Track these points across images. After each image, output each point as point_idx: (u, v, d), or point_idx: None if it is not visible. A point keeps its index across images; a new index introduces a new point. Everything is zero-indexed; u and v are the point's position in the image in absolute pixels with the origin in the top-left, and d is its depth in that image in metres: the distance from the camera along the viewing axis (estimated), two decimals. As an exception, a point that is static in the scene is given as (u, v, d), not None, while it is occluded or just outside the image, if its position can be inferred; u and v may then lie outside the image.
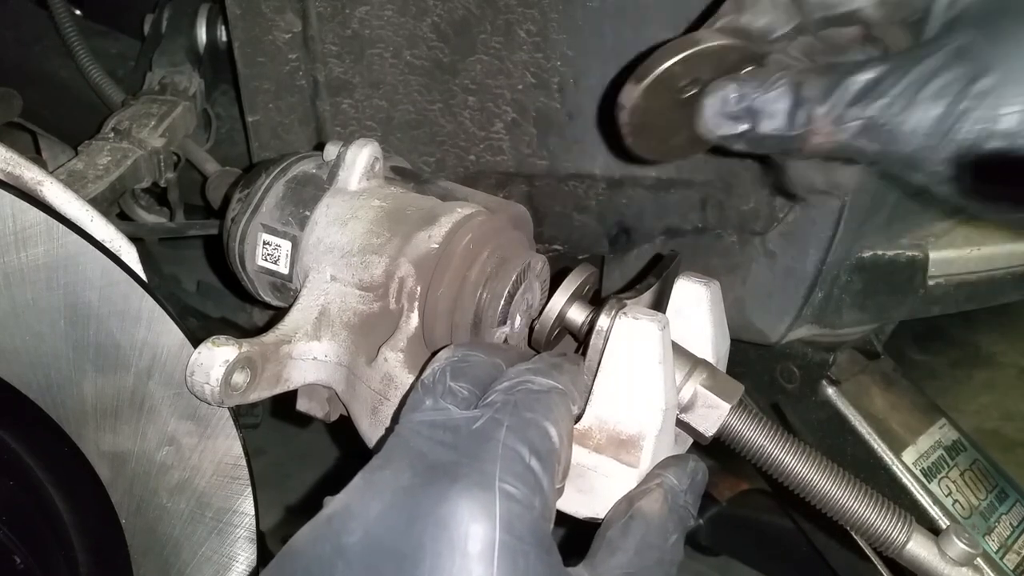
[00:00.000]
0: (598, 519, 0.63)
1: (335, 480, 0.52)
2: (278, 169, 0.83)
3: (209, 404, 0.69)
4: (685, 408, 0.68)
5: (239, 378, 0.69)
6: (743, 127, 0.62)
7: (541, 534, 0.51)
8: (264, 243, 0.81)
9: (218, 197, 1.21)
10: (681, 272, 0.75)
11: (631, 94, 0.63)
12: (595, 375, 0.64)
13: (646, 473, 0.63)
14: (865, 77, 0.59)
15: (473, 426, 0.53)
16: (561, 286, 0.71)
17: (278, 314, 0.78)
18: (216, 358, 0.67)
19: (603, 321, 0.65)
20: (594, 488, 0.63)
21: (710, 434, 0.68)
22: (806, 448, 0.67)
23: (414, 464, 0.53)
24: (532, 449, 0.53)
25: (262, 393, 0.72)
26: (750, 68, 0.66)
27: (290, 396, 0.79)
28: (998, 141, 0.55)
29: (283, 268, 0.80)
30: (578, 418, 0.64)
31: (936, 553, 0.63)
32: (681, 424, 0.68)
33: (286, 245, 0.80)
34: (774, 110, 0.61)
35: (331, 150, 0.83)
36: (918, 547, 0.63)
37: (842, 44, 0.68)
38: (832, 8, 0.63)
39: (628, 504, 0.61)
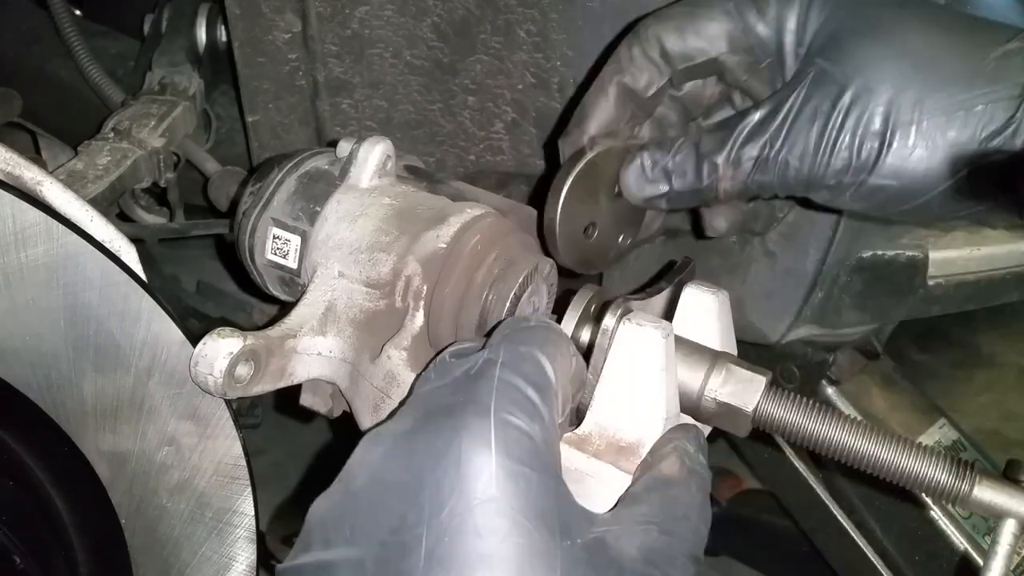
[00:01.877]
0: None
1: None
2: (291, 164, 0.83)
3: (212, 395, 0.69)
4: (718, 396, 0.66)
5: (243, 370, 0.69)
6: (663, 188, 0.72)
7: (544, 460, 0.51)
8: (274, 237, 0.81)
9: (221, 196, 1.21)
10: (691, 280, 0.75)
11: (555, 208, 0.71)
12: (598, 377, 0.64)
13: None
14: (749, 121, 0.68)
15: (470, 371, 0.54)
16: (567, 312, 0.71)
17: (284, 308, 0.78)
18: (220, 349, 0.67)
19: (608, 320, 0.65)
20: (591, 494, 0.63)
21: (750, 408, 0.66)
22: (848, 418, 0.65)
23: (414, 414, 0.54)
24: (528, 381, 0.53)
25: (265, 386, 0.72)
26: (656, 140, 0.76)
27: (294, 392, 0.79)
28: (872, 142, 0.65)
29: (292, 263, 0.81)
30: (580, 421, 0.64)
31: (1009, 490, 0.60)
32: (720, 412, 0.67)
33: (295, 240, 0.80)
34: (684, 168, 0.70)
35: (344, 147, 0.83)
36: (986, 491, 0.60)
37: (705, 103, 0.77)
38: (692, 59, 0.71)
39: (645, 469, 0.61)
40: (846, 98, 0.65)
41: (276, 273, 0.83)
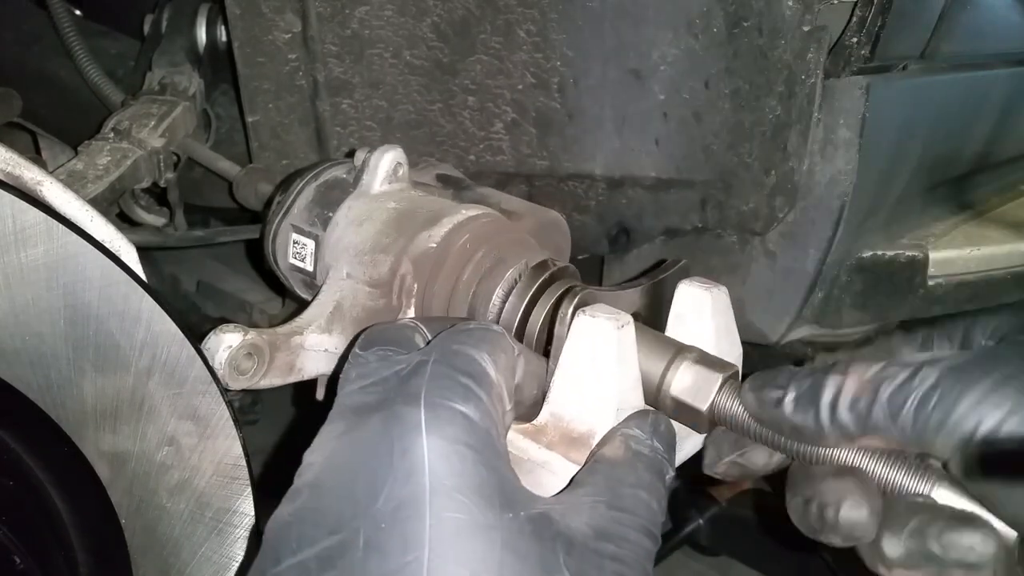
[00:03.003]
0: None
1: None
2: (311, 174, 0.88)
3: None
4: (673, 392, 0.65)
5: (246, 363, 0.73)
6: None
7: (481, 437, 0.50)
8: (294, 242, 0.86)
9: (249, 195, 1.21)
10: (684, 278, 0.74)
11: None
12: (556, 367, 0.64)
13: None
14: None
15: (402, 372, 0.54)
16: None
17: (300, 307, 0.82)
18: (222, 343, 0.72)
19: (564, 310, 0.65)
20: (542, 484, 0.62)
21: (703, 407, 0.63)
22: None
23: (346, 416, 0.54)
24: (460, 371, 0.52)
25: (274, 380, 0.76)
26: None
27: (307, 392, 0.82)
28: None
29: (309, 266, 0.85)
30: (540, 408, 0.64)
31: (968, 496, 0.56)
32: (677, 409, 0.65)
33: (311, 244, 0.84)
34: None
35: (359, 156, 0.87)
36: (945, 494, 0.57)
37: None
38: None
39: (590, 458, 0.61)
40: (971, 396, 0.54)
41: (298, 276, 0.88)
